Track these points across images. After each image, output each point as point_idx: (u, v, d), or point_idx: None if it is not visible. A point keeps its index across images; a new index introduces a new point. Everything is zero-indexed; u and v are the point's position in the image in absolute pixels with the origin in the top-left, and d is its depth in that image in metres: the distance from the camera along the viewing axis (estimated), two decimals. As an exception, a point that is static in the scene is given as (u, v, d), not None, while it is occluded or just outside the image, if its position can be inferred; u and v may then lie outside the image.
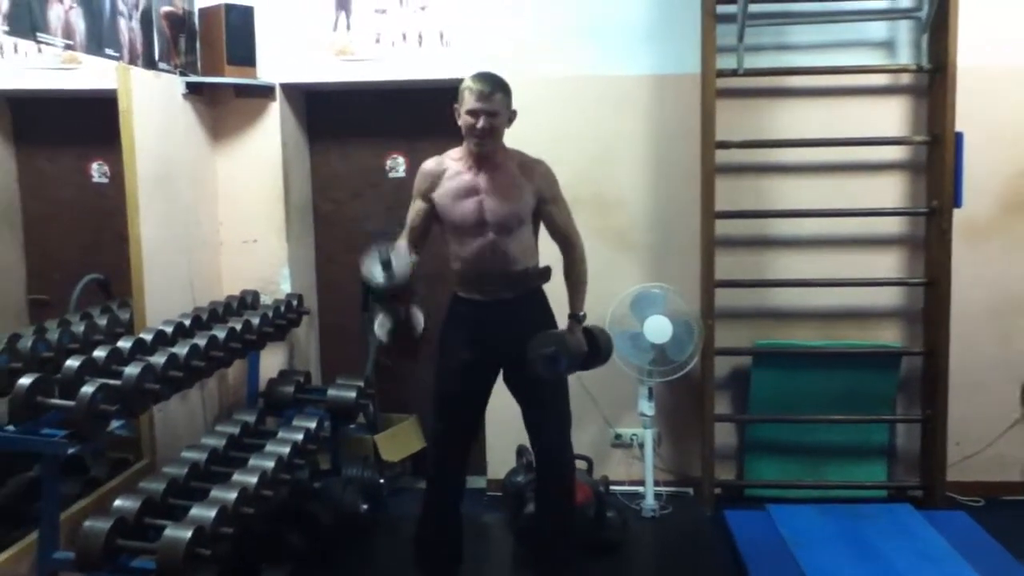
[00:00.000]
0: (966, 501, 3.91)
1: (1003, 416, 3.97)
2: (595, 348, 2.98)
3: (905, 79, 3.90)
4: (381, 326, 2.86)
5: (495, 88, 2.81)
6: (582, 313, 2.97)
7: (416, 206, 2.98)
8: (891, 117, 3.92)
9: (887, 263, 3.98)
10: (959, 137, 3.71)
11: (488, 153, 2.85)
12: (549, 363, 2.83)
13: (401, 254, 2.76)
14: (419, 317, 2.92)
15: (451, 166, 2.93)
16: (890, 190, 3.95)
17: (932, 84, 3.81)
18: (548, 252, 3.07)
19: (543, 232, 3.06)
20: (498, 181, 2.87)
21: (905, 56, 3.88)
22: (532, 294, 3.00)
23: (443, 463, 3.10)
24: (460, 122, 2.85)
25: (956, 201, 3.75)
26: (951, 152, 3.69)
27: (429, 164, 2.98)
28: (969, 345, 3.88)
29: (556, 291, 3.06)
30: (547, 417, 3.04)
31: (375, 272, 2.73)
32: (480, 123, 2.79)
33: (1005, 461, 3.99)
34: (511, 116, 2.90)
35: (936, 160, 3.78)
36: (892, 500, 3.90)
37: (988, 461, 3.98)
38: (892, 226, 3.97)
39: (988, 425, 3.97)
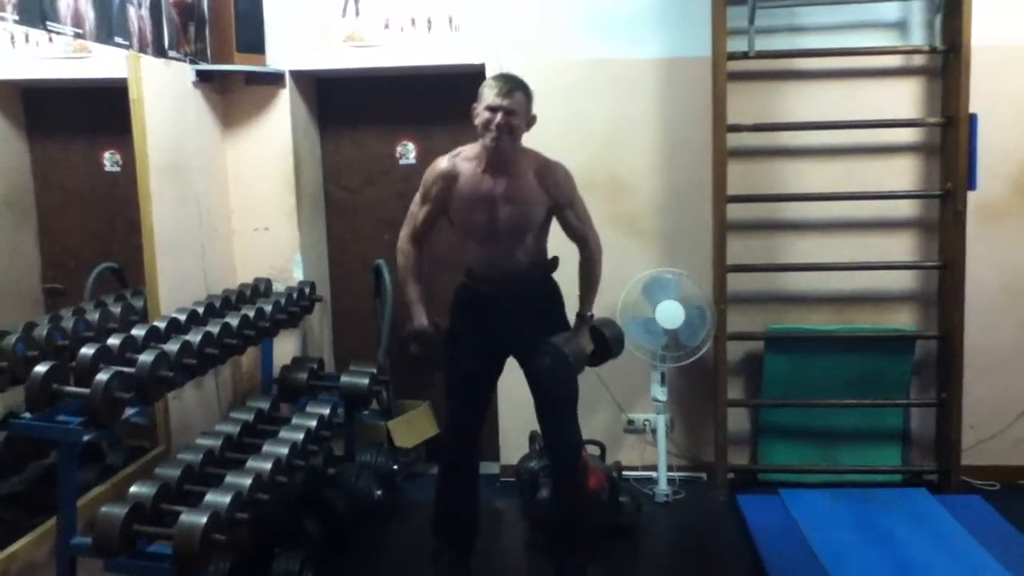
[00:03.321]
0: (981, 485, 3.90)
1: (1019, 399, 3.95)
2: (603, 346, 2.99)
3: (918, 60, 3.86)
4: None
5: (515, 87, 2.77)
6: (589, 314, 2.96)
7: (425, 208, 2.95)
8: (905, 99, 3.88)
9: (901, 246, 3.96)
10: (973, 119, 3.68)
11: (504, 151, 2.78)
12: (550, 372, 2.87)
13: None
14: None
15: (464, 168, 2.86)
16: (904, 172, 3.92)
17: (946, 65, 3.78)
18: (563, 249, 3.06)
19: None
20: (512, 189, 2.81)
21: (918, 37, 3.84)
22: (541, 284, 3.01)
23: (458, 443, 3.12)
24: (477, 121, 2.78)
25: (971, 183, 3.72)
26: (965, 134, 3.65)
27: (442, 164, 2.89)
28: (984, 328, 3.86)
29: (568, 287, 3.07)
30: (556, 404, 3.04)
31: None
32: (498, 118, 2.71)
33: (1021, 445, 3.97)
34: (530, 120, 2.85)
35: (950, 142, 3.74)
36: (907, 485, 3.89)
37: (1004, 445, 3.96)
38: (906, 209, 3.94)
39: (1003, 409, 3.95)
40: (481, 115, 2.76)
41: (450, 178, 2.86)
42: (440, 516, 3.14)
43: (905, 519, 3.43)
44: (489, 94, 2.75)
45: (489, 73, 3.77)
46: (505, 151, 2.78)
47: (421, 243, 3.02)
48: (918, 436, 4.04)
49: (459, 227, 2.95)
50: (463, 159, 2.88)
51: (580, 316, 2.97)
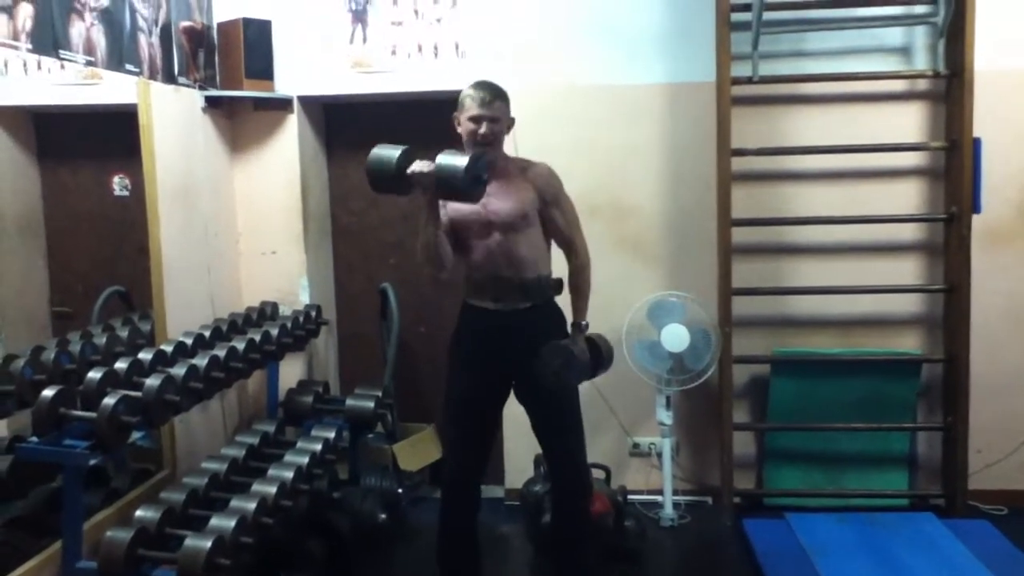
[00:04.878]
0: (988, 510, 3.87)
1: (1026, 423, 3.94)
2: (598, 357, 2.98)
3: (922, 84, 3.88)
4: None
5: (495, 95, 2.86)
6: (585, 322, 2.97)
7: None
8: (908, 123, 3.90)
9: (906, 270, 3.96)
10: (977, 142, 3.69)
11: (490, 160, 2.86)
12: (556, 377, 2.84)
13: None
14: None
15: None
16: (908, 196, 3.93)
17: (949, 89, 3.79)
18: (560, 265, 3.08)
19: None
20: (500, 183, 2.89)
21: (922, 61, 3.86)
22: (544, 305, 2.98)
23: (457, 472, 3.08)
24: (461, 129, 2.89)
25: (975, 207, 3.73)
26: (969, 158, 3.66)
27: None
28: (990, 351, 3.85)
29: (564, 302, 3.07)
30: (560, 431, 3.03)
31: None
32: (482, 129, 2.83)
33: (1028, 469, 3.95)
34: (510, 123, 2.95)
35: (954, 166, 3.75)
36: (913, 509, 3.87)
37: (1011, 469, 3.93)
38: (910, 232, 3.95)
39: (1010, 432, 3.93)
40: (465, 126, 2.87)
41: None
42: (442, 547, 3.12)
43: (912, 544, 3.42)
44: (471, 105, 2.85)
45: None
46: (491, 157, 2.86)
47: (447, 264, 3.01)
48: (924, 460, 4.02)
49: (458, 229, 2.93)
50: None
51: (575, 324, 2.97)
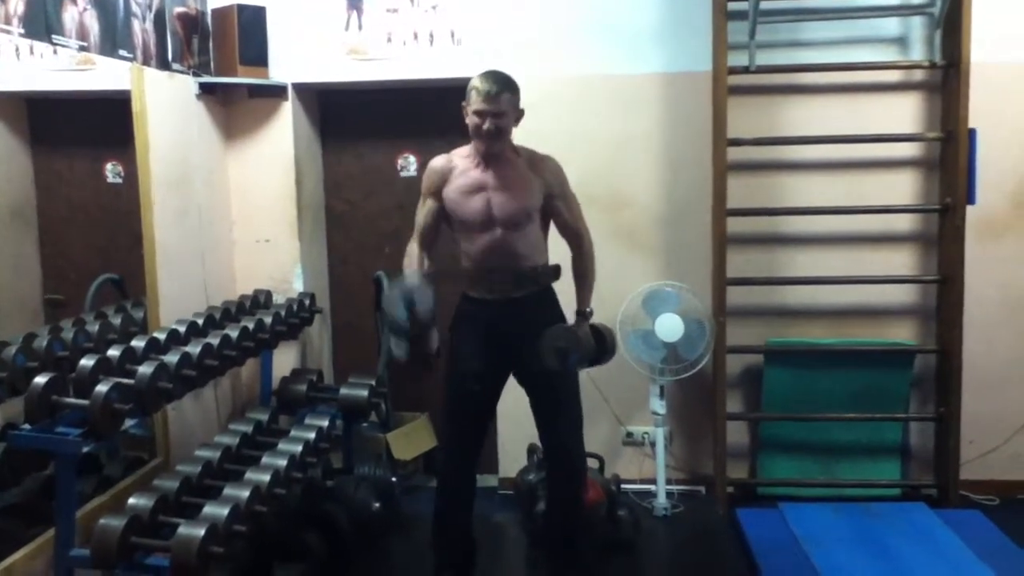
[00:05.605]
0: (981, 500, 3.89)
1: (1018, 414, 3.95)
2: (602, 345, 2.99)
3: (918, 75, 3.88)
4: (397, 347, 2.91)
5: (502, 88, 2.81)
6: (589, 309, 2.98)
7: (427, 205, 2.99)
8: (904, 114, 3.89)
9: (900, 260, 3.96)
10: (973, 133, 3.68)
11: (496, 152, 2.87)
12: (560, 357, 2.85)
13: (423, 292, 2.83)
14: (434, 337, 3.04)
15: (459, 164, 2.94)
16: (903, 187, 3.93)
17: (946, 80, 3.79)
18: (557, 250, 3.08)
19: (553, 230, 3.07)
20: (506, 177, 2.88)
21: (918, 52, 3.85)
22: (542, 293, 3.00)
23: (455, 462, 3.10)
24: (468, 121, 2.86)
25: (970, 198, 3.73)
26: (965, 149, 3.66)
27: (438, 162, 2.99)
28: (983, 342, 3.86)
29: (564, 288, 3.07)
30: (559, 413, 3.04)
31: (399, 313, 2.81)
32: (486, 125, 2.80)
33: (1020, 459, 3.96)
34: (519, 115, 2.91)
35: (950, 157, 3.75)
36: (906, 499, 3.88)
37: (1003, 459, 3.95)
38: (905, 223, 3.95)
39: (1003, 423, 3.94)
40: (471, 119, 2.84)
41: (446, 171, 2.95)
42: (439, 536, 3.13)
43: (904, 534, 3.43)
44: (476, 99, 2.81)
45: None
46: (497, 151, 2.86)
47: (425, 247, 3.02)
48: (917, 450, 4.04)
49: (457, 221, 2.94)
50: (458, 156, 2.98)
51: (580, 312, 2.98)
